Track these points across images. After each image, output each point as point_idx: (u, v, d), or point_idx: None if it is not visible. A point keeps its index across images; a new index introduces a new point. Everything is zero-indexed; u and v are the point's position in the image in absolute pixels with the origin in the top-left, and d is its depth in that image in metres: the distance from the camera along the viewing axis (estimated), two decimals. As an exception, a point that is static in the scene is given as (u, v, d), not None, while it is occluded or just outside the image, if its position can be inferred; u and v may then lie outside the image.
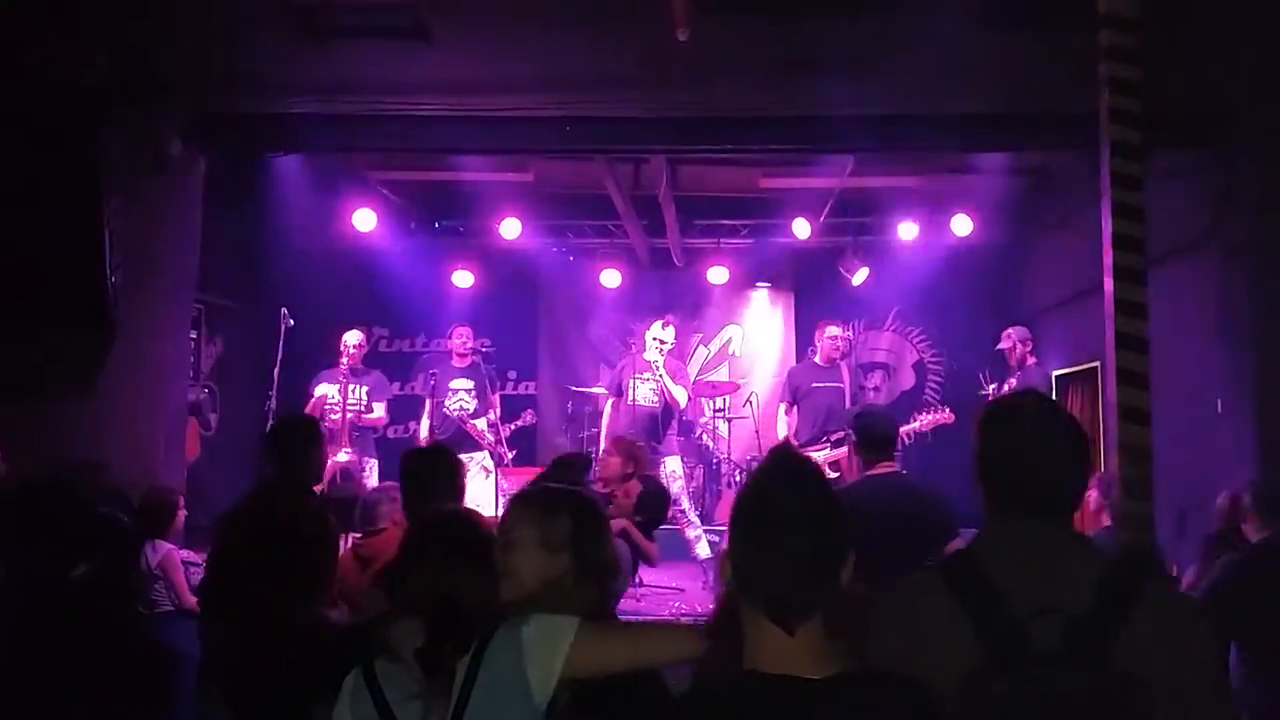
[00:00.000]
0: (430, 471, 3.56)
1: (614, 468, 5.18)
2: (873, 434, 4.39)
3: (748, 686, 1.54)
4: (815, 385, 7.93)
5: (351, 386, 7.83)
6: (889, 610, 1.88)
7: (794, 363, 10.43)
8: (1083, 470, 1.92)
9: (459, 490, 3.64)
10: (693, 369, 10.55)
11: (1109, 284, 4.35)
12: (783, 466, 1.63)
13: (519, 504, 2.49)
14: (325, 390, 7.74)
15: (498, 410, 8.41)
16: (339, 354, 7.88)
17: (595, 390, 9.97)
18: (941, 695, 1.64)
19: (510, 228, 9.19)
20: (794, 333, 10.68)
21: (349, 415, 7.74)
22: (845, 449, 7.10)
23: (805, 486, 1.59)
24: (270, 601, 3.56)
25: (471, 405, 8.24)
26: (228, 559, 3.87)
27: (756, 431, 9.68)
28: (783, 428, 8.05)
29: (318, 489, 7.47)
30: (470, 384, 8.30)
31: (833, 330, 8.12)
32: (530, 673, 2.08)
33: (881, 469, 4.28)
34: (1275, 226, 5.82)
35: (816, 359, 8.17)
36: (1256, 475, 5.17)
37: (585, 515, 2.52)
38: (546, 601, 2.25)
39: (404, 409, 9.07)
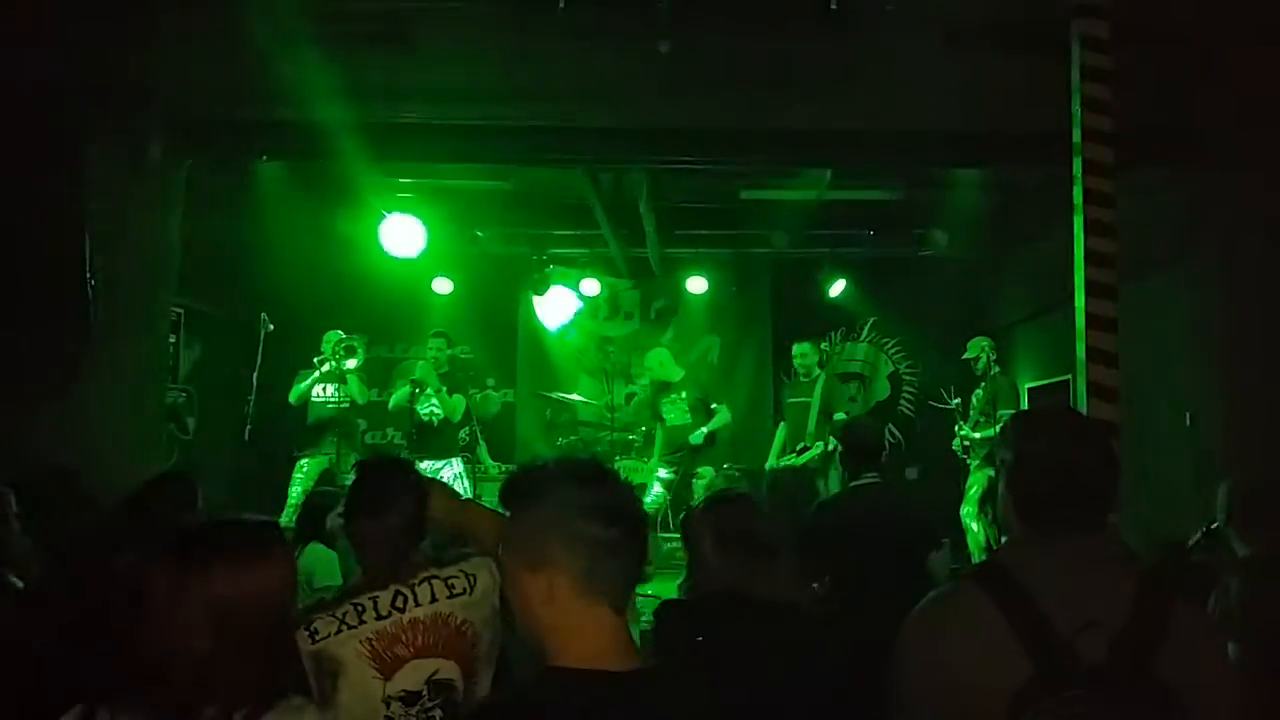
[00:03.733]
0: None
1: None
2: (857, 445, 4.45)
3: (564, 682, 1.57)
4: (790, 401, 8.59)
5: (334, 385, 7.89)
6: (925, 618, 1.87)
7: (770, 373, 10.56)
8: (1114, 482, 1.89)
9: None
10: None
11: (1080, 299, 4.44)
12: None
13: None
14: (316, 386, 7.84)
15: (472, 419, 8.43)
16: (322, 354, 7.95)
17: (573, 398, 9.99)
18: (983, 705, 1.68)
19: (490, 235, 9.22)
20: (771, 342, 10.74)
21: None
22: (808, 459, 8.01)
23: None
24: None
25: (443, 412, 8.25)
26: None
27: (733, 440, 9.72)
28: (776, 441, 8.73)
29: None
30: (443, 387, 8.35)
31: (796, 349, 8.64)
32: None
33: (865, 480, 4.33)
34: (1243, 243, 5.93)
35: (799, 376, 8.65)
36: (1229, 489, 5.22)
37: None
38: None
39: (382, 414, 9.08)
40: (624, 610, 1.63)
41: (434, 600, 2.41)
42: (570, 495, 1.62)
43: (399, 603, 2.38)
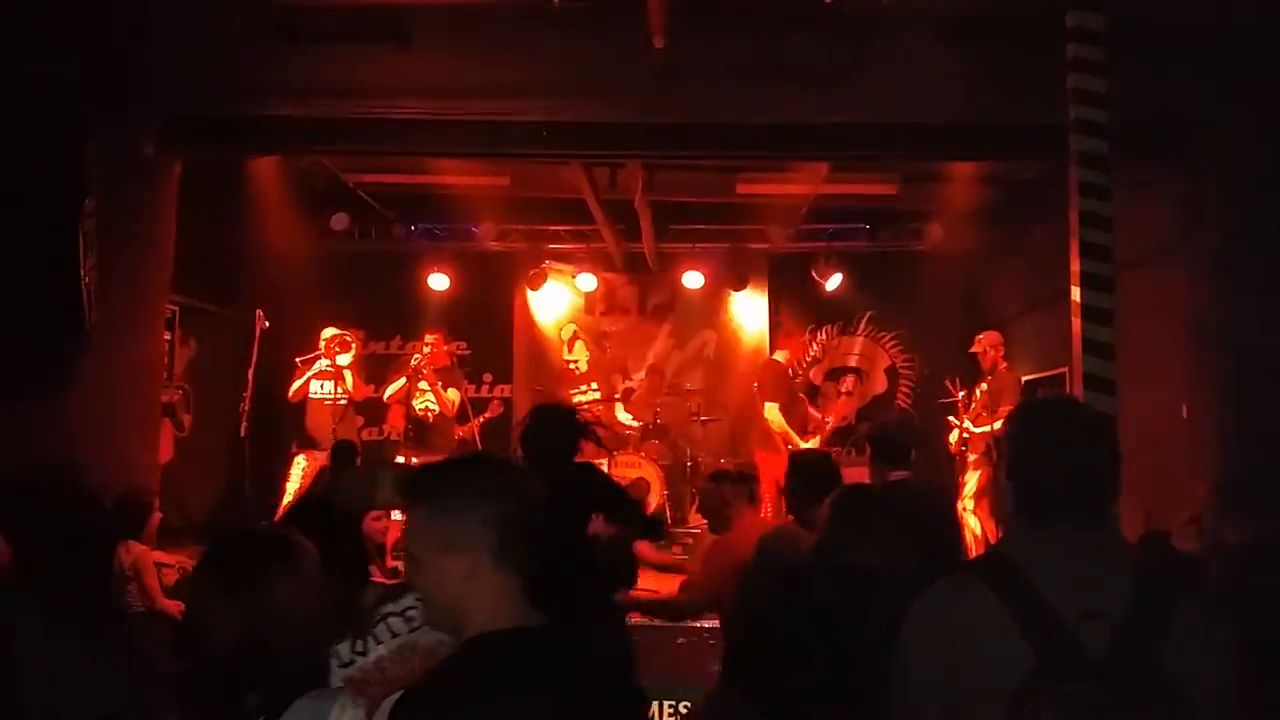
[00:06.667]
0: None
1: None
2: (887, 444, 4.53)
3: (488, 644, 1.72)
4: None
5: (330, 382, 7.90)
6: (928, 610, 1.87)
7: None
8: (1116, 473, 1.88)
9: None
10: (667, 372, 10.61)
11: (1076, 291, 4.44)
12: None
13: None
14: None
15: (470, 413, 8.44)
16: (317, 351, 7.93)
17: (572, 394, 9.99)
18: (986, 697, 1.68)
19: (486, 231, 9.22)
20: (768, 337, 10.74)
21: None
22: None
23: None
24: None
25: (438, 407, 8.24)
26: None
27: (731, 434, 9.75)
28: None
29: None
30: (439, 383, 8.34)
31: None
32: None
33: (897, 475, 4.38)
34: (1239, 236, 5.94)
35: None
36: (1221, 480, 5.25)
37: None
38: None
39: (378, 410, 9.08)
40: (530, 577, 1.80)
41: (395, 636, 2.40)
42: (479, 482, 1.81)
43: (359, 648, 2.37)
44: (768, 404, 8.37)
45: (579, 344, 9.09)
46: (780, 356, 8.80)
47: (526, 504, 1.82)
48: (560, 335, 10.62)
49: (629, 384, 10.18)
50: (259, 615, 1.80)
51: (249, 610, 1.80)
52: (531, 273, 9.92)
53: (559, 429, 3.99)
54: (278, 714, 1.75)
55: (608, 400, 8.94)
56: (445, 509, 1.78)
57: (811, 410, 9.02)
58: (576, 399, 8.87)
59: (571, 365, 9.05)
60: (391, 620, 2.42)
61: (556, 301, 10.59)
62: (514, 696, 1.65)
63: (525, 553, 1.79)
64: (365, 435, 9.58)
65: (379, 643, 2.38)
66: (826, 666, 2.75)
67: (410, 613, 2.42)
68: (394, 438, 9.01)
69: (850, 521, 3.28)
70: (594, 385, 8.89)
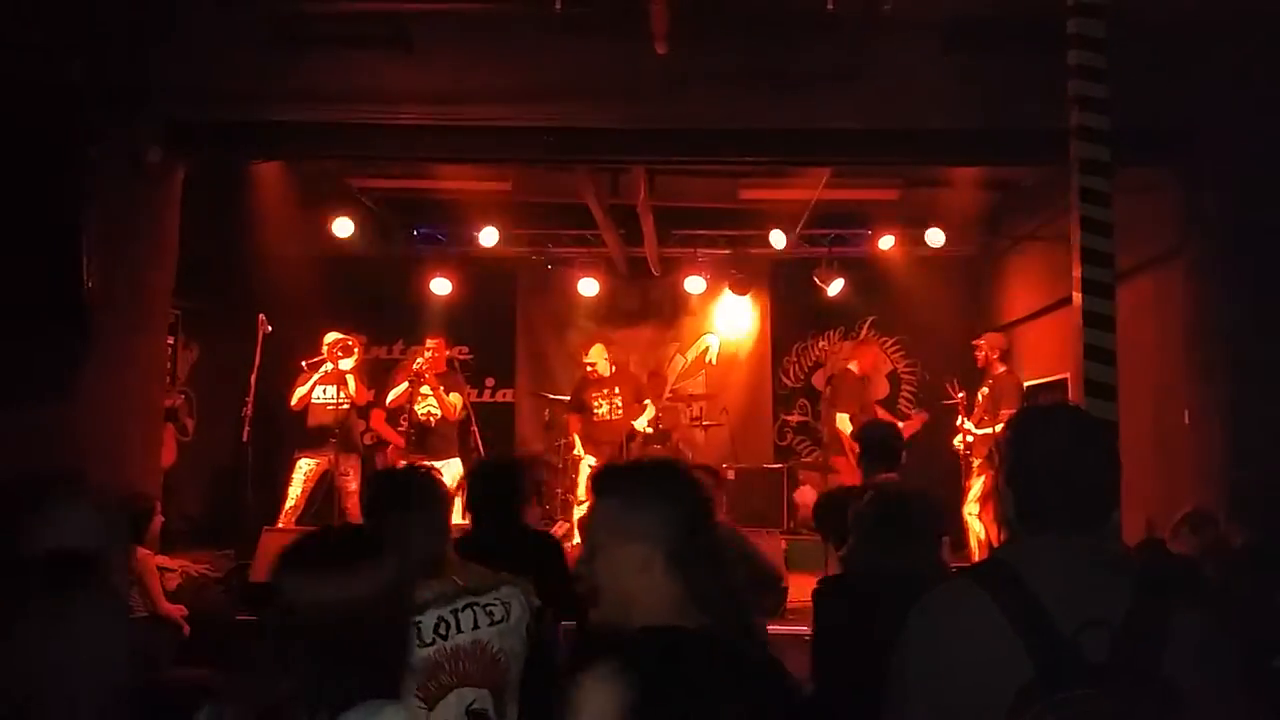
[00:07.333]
0: None
1: None
2: (874, 445, 4.58)
3: (658, 637, 1.75)
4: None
5: (332, 386, 7.88)
6: (926, 616, 1.86)
7: (769, 372, 10.57)
8: (1116, 480, 1.88)
9: None
10: (669, 377, 10.62)
11: (1077, 297, 4.44)
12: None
13: None
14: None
15: (472, 416, 8.45)
16: (320, 355, 7.93)
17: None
18: (984, 704, 1.67)
19: (489, 236, 9.23)
20: (770, 342, 10.75)
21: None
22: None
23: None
24: None
25: (440, 411, 8.23)
26: None
27: (732, 439, 9.75)
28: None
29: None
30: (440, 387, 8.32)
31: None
32: None
33: (882, 478, 4.40)
34: (1240, 241, 5.94)
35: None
36: (1223, 484, 5.25)
37: None
38: None
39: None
40: (698, 579, 1.87)
41: (475, 627, 2.42)
42: (665, 483, 1.92)
43: (442, 629, 2.35)
44: (839, 414, 8.38)
45: (596, 347, 8.95)
46: (853, 366, 8.71)
47: (703, 510, 1.92)
48: (565, 339, 10.63)
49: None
50: (345, 610, 1.67)
51: (334, 604, 1.68)
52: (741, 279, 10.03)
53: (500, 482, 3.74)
54: None
55: (633, 403, 8.83)
56: (631, 502, 1.88)
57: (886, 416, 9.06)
58: (599, 407, 8.76)
59: (589, 367, 8.90)
60: (477, 609, 2.44)
61: (558, 306, 10.62)
62: (671, 695, 1.67)
63: (696, 555, 1.87)
64: (367, 440, 9.60)
65: (460, 630, 2.40)
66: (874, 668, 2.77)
67: (491, 607, 2.47)
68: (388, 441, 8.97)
69: (887, 527, 3.32)
70: (617, 390, 8.77)
